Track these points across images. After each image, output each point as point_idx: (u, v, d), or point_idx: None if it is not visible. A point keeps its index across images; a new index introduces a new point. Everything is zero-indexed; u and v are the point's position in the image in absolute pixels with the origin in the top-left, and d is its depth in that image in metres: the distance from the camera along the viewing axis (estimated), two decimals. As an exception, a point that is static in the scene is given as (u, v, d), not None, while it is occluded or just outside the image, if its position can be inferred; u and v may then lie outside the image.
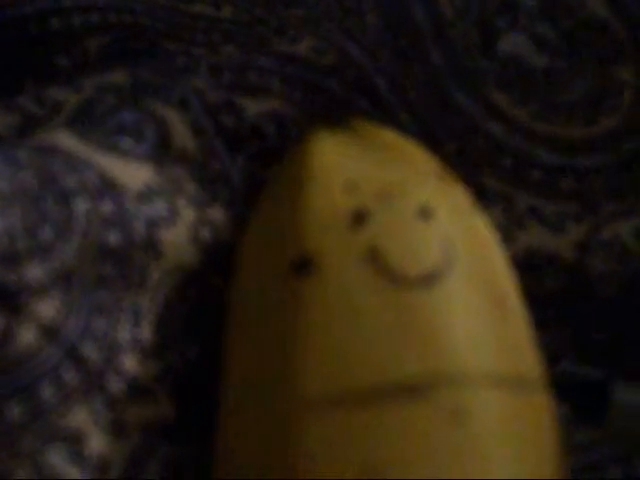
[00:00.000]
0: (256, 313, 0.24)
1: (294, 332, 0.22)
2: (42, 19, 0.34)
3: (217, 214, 0.27)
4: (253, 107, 0.29)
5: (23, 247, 0.23)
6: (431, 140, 0.29)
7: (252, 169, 0.29)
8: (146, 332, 0.25)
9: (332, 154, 0.26)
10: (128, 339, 0.24)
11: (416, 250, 0.23)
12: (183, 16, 0.37)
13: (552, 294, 0.29)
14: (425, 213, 0.24)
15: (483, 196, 0.29)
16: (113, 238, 0.25)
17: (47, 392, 0.23)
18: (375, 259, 0.23)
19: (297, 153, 0.27)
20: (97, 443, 0.23)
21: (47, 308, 0.23)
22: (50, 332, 0.23)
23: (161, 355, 0.25)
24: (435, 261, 0.23)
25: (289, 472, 0.20)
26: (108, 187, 0.25)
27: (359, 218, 0.23)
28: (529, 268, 0.28)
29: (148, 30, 0.36)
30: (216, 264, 0.27)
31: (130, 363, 0.24)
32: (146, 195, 0.26)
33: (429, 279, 0.22)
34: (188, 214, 0.26)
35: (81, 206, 0.24)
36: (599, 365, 0.29)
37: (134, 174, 0.26)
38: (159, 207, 0.26)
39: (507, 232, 0.29)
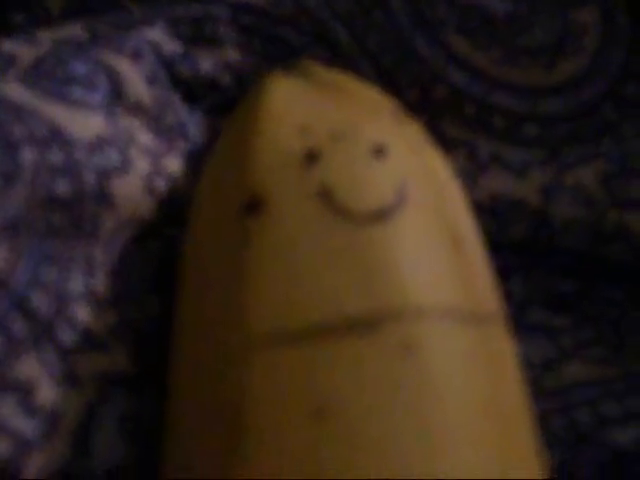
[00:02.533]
0: (208, 257, 0.22)
1: (242, 271, 0.21)
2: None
3: (173, 164, 0.26)
4: (209, 58, 0.28)
5: (-34, 197, 0.22)
6: (392, 88, 0.28)
7: (210, 121, 0.28)
8: (100, 283, 0.23)
9: (284, 96, 0.24)
10: (81, 290, 0.23)
11: (368, 187, 0.21)
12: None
13: (517, 241, 0.27)
14: (379, 151, 0.22)
15: (446, 144, 0.28)
16: (62, 188, 0.23)
17: (-6, 342, 0.21)
18: (325, 196, 0.21)
19: (249, 98, 0.25)
20: (48, 394, 0.21)
21: (-8, 256, 0.22)
22: (-3, 281, 0.21)
23: (117, 307, 0.23)
24: (387, 198, 0.21)
25: (235, 412, 0.19)
26: (57, 137, 0.23)
27: (311, 158, 0.22)
28: (493, 214, 0.27)
29: None
30: (173, 215, 0.25)
31: (82, 314, 0.23)
32: (97, 145, 0.24)
33: (380, 215, 0.21)
34: (142, 164, 0.25)
35: (28, 156, 0.23)
36: (565, 313, 0.27)
37: (85, 123, 0.24)
38: (111, 157, 0.24)
39: (470, 177, 0.27)
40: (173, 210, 0.25)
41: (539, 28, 0.28)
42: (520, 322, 0.27)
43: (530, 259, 0.28)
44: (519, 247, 0.27)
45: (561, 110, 0.27)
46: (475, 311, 0.21)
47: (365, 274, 0.20)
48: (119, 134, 0.25)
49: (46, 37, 0.28)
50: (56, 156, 0.23)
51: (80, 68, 0.26)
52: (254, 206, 0.21)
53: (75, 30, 0.28)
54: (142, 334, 0.24)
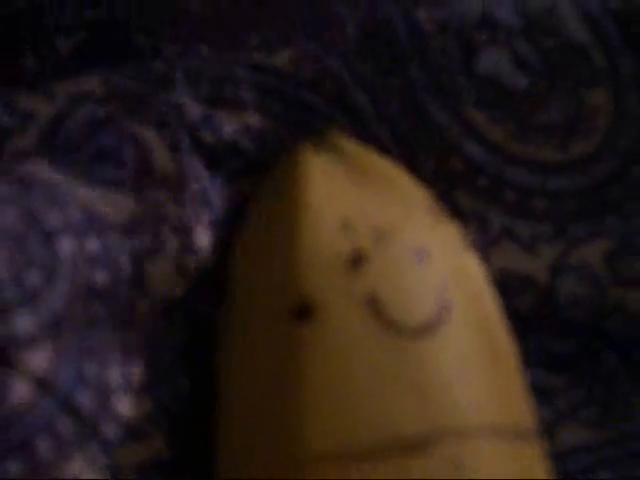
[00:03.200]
0: (254, 355, 0.23)
1: (294, 383, 0.21)
2: (12, 20, 0.31)
3: (200, 239, 0.26)
4: (230, 121, 0.27)
5: (11, 296, 0.21)
6: (409, 157, 0.28)
7: (232, 187, 0.27)
8: (135, 370, 0.23)
9: (322, 184, 0.24)
10: (119, 380, 0.23)
11: (414, 297, 0.22)
12: (152, 6, 0.35)
13: (522, 313, 0.28)
14: (420, 254, 0.23)
15: (458, 215, 0.28)
16: (100, 277, 0.23)
17: (43, 447, 0.21)
18: (374, 307, 0.22)
19: (284, 177, 0.25)
20: None
21: (39, 359, 0.21)
22: (43, 384, 0.21)
23: (152, 392, 0.24)
24: (432, 308, 0.22)
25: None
26: (92, 222, 0.23)
27: (357, 261, 0.22)
28: (502, 288, 0.28)
29: (121, 24, 0.34)
30: (201, 291, 0.25)
31: (122, 405, 0.23)
32: (130, 227, 0.24)
33: (427, 328, 0.22)
34: (172, 243, 0.25)
35: (66, 246, 0.22)
36: (559, 373, 0.29)
37: (117, 205, 0.24)
38: (144, 239, 0.24)
39: (482, 252, 0.28)
40: (201, 286, 0.25)
41: (554, 107, 0.28)
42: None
43: (529, 324, 0.29)
44: (522, 317, 0.28)
45: (570, 187, 0.28)
46: (515, 428, 0.22)
47: (415, 394, 0.21)
48: (149, 212, 0.24)
49: (61, 91, 0.27)
50: (93, 244, 0.23)
51: (107, 141, 0.25)
52: (305, 312, 0.22)
53: (91, 84, 0.28)
54: (174, 416, 0.24)
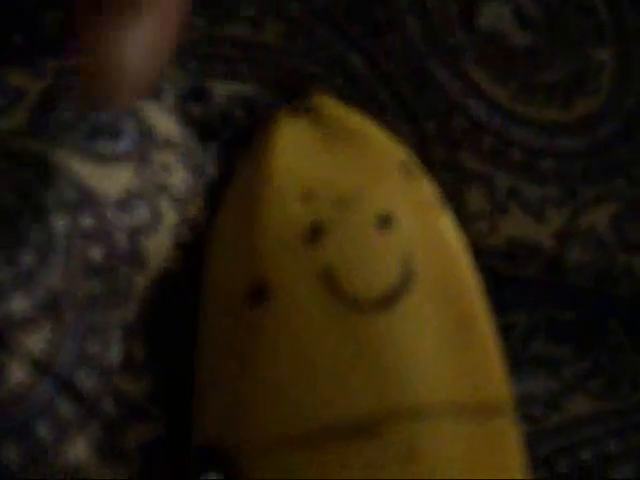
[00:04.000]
0: (216, 336, 0.22)
1: (250, 366, 0.20)
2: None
3: (196, 209, 0.25)
4: (221, 92, 0.26)
5: (5, 277, 0.20)
6: (410, 118, 0.27)
7: (224, 156, 0.26)
8: (136, 347, 0.23)
9: (289, 156, 0.23)
10: (119, 358, 0.22)
11: (372, 269, 0.21)
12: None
13: (529, 281, 0.27)
14: (384, 221, 0.21)
15: (464, 177, 0.27)
16: (96, 253, 0.22)
17: (43, 430, 0.20)
18: (329, 282, 0.20)
19: (258, 146, 0.24)
20: (97, 472, 0.21)
21: (37, 340, 0.20)
22: (42, 365, 0.20)
23: (152, 368, 0.23)
24: (393, 280, 0.21)
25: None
26: (87, 198, 0.22)
27: (315, 233, 0.21)
28: (508, 257, 0.27)
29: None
30: (196, 264, 0.24)
31: (123, 383, 0.22)
32: (127, 202, 0.23)
33: (385, 301, 0.20)
34: (170, 216, 0.24)
35: (60, 223, 0.21)
36: (565, 344, 0.28)
37: (113, 179, 0.23)
38: (141, 213, 0.23)
39: (489, 221, 0.27)
40: (196, 259, 0.24)
41: (557, 65, 0.27)
42: (522, 355, 0.27)
43: (535, 293, 0.28)
44: (528, 283, 0.27)
45: (576, 147, 0.27)
46: (481, 404, 0.21)
47: (372, 372, 0.20)
48: (150, 185, 0.23)
49: (49, 67, 0.26)
50: (88, 220, 0.22)
51: (103, 116, 0.24)
52: (259, 293, 0.21)
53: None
54: (175, 392, 0.23)
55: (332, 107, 0.24)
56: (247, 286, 0.21)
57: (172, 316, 0.24)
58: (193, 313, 0.24)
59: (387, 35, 0.27)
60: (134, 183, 0.23)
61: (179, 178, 0.24)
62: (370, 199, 0.21)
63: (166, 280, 0.23)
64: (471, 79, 0.27)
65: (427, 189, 0.23)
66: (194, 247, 0.24)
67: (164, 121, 0.25)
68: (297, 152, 0.23)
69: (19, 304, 0.20)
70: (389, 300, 0.20)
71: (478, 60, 0.27)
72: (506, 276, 0.27)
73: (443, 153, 0.27)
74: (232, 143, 0.26)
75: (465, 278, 0.22)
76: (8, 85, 0.25)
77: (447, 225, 0.23)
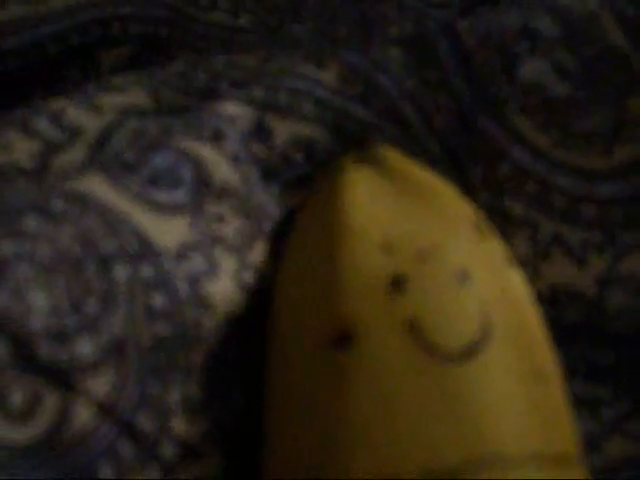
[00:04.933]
0: (295, 380, 0.22)
1: (335, 413, 0.20)
2: (61, 38, 0.31)
3: (257, 254, 0.25)
4: (284, 131, 0.27)
5: (71, 323, 0.21)
6: (457, 165, 0.27)
7: (285, 199, 0.27)
8: (195, 388, 0.23)
9: (365, 205, 0.23)
10: (178, 399, 0.22)
11: (454, 321, 0.21)
12: (200, 24, 0.34)
13: (569, 326, 0.27)
14: (462, 276, 0.22)
15: (508, 223, 0.27)
16: (159, 300, 0.22)
17: (106, 471, 0.21)
18: (415, 332, 0.21)
19: (327, 192, 0.25)
20: None
21: (101, 383, 0.21)
22: (106, 408, 0.21)
23: (209, 410, 0.23)
24: (473, 332, 0.21)
25: None
26: (146, 249, 0.23)
27: (397, 284, 0.21)
28: (552, 302, 0.27)
29: (164, 41, 0.33)
30: (259, 306, 0.25)
31: (180, 425, 0.22)
32: (183, 254, 0.23)
33: (468, 352, 0.21)
34: (228, 263, 0.24)
35: (122, 273, 0.22)
36: (605, 384, 0.28)
37: (170, 231, 0.23)
38: (198, 263, 0.23)
39: (533, 266, 0.27)
40: (260, 301, 0.25)
41: (597, 114, 0.27)
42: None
43: (574, 334, 0.28)
44: (569, 328, 0.27)
45: (617, 194, 0.27)
46: (558, 454, 0.21)
47: (457, 421, 0.20)
48: (204, 237, 0.24)
49: (108, 104, 0.26)
50: (148, 270, 0.22)
51: (162, 163, 0.24)
52: (344, 340, 0.21)
53: (138, 96, 0.27)
54: (230, 433, 0.23)
55: (397, 159, 0.25)
56: (331, 331, 0.21)
57: (231, 357, 0.24)
58: (254, 354, 0.24)
59: (436, 91, 0.27)
60: (189, 236, 0.24)
61: (234, 228, 0.25)
62: (447, 254, 0.22)
63: (230, 323, 0.24)
64: (515, 128, 0.27)
65: (497, 246, 0.24)
66: (258, 290, 0.25)
67: (223, 166, 0.25)
68: (371, 202, 0.23)
69: (85, 348, 0.21)
70: (470, 352, 0.20)
71: (521, 110, 0.27)
72: (546, 319, 0.27)
73: (488, 199, 0.27)
74: (292, 185, 0.27)
75: (537, 332, 0.22)
76: (67, 121, 0.25)
77: (518, 281, 0.23)
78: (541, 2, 0.29)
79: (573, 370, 0.27)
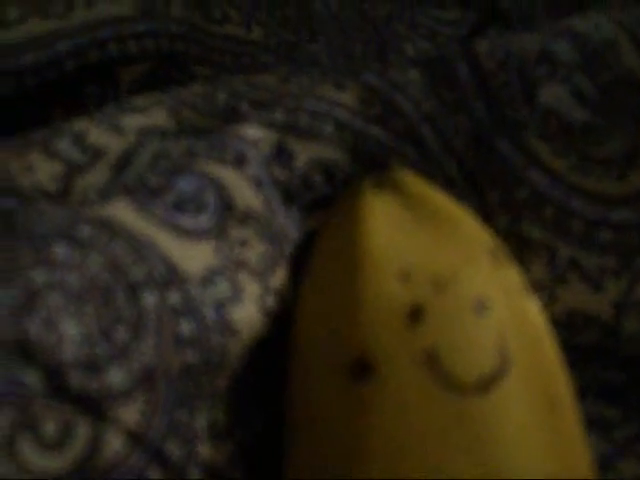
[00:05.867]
0: (313, 407, 0.22)
1: (354, 444, 0.21)
2: (79, 54, 0.31)
3: (279, 278, 0.25)
4: (304, 154, 0.27)
5: (101, 352, 0.21)
6: (475, 189, 0.28)
7: (305, 221, 0.27)
8: (219, 413, 0.23)
9: (383, 232, 0.23)
10: (204, 425, 0.23)
11: (473, 352, 0.21)
12: (214, 38, 0.34)
13: (583, 348, 0.28)
14: (480, 305, 0.22)
15: (525, 246, 0.28)
16: (186, 327, 0.23)
17: (136, 499, 0.21)
18: (433, 363, 0.21)
19: (346, 217, 0.25)
20: None
21: (132, 411, 0.21)
22: (136, 436, 0.21)
23: (233, 434, 0.23)
24: (491, 364, 0.21)
25: None
26: (172, 276, 0.23)
27: (415, 314, 0.22)
28: (567, 325, 0.27)
29: (181, 56, 0.33)
30: (280, 329, 0.25)
31: (206, 450, 0.22)
32: (208, 279, 0.23)
33: (486, 383, 0.21)
34: (252, 288, 0.24)
35: (150, 300, 0.22)
36: (615, 405, 0.28)
37: (196, 256, 0.23)
38: (223, 287, 0.24)
39: (549, 290, 0.27)
40: (282, 323, 0.25)
41: (614, 140, 0.27)
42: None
43: (587, 355, 0.28)
44: (583, 350, 0.28)
45: (633, 219, 0.28)
46: None
47: (475, 453, 0.20)
48: (228, 262, 0.24)
49: (129, 125, 0.27)
50: (174, 297, 0.23)
51: (187, 187, 0.25)
52: (363, 370, 0.21)
53: (159, 117, 0.27)
54: (253, 456, 0.24)
55: (416, 184, 0.25)
56: (349, 360, 0.21)
57: (254, 381, 0.24)
58: (276, 378, 0.24)
59: (455, 114, 0.28)
60: (214, 261, 0.24)
61: (257, 252, 0.25)
62: (465, 283, 0.22)
63: (253, 347, 0.24)
64: (533, 152, 0.28)
65: (514, 274, 0.24)
66: (280, 314, 0.25)
67: (246, 190, 0.25)
68: (390, 228, 0.23)
69: (115, 377, 0.21)
70: (488, 383, 0.21)
71: (539, 134, 0.28)
72: (561, 341, 0.27)
73: (506, 223, 0.27)
74: (312, 207, 0.27)
75: (553, 361, 0.23)
76: (88, 142, 0.25)
77: (534, 310, 0.23)
78: (559, 27, 0.29)
79: (585, 390, 0.28)
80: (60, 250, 0.22)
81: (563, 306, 0.27)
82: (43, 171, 0.25)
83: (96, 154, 0.26)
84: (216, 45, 0.36)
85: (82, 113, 0.29)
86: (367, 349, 0.21)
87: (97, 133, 0.26)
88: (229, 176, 0.25)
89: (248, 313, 0.24)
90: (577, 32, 0.28)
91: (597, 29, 0.28)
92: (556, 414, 0.22)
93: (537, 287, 0.27)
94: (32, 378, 0.20)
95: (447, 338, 0.21)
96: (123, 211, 0.23)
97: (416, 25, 0.38)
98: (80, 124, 0.26)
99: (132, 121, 0.27)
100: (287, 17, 0.37)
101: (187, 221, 0.24)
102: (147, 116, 0.27)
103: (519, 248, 0.27)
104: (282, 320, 0.25)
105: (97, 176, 0.25)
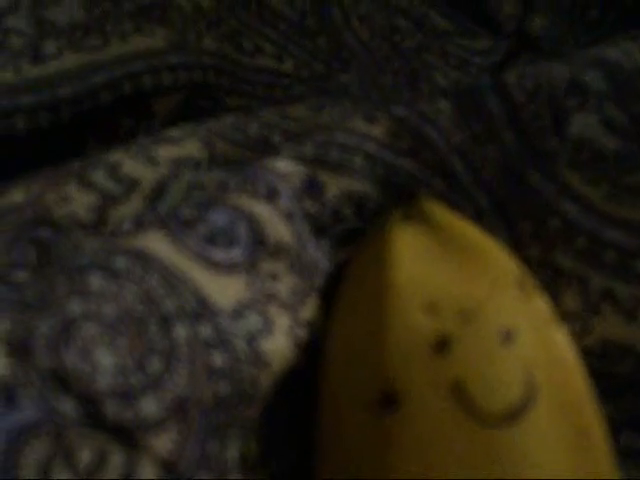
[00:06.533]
0: (345, 435, 0.22)
1: (383, 471, 0.21)
2: (114, 86, 0.32)
3: (309, 310, 0.25)
4: (334, 187, 0.27)
5: (135, 382, 0.21)
6: (506, 219, 0.28)
7: (335, 254, 0.27)
8: (251, 444, 0.23)
9: (410, 263, 0.24)
10: (235, 456, 0.23)
11: (499, 384, 0.21)
12: (245, 69, 0.35)
13: (618, 378, 0.28)
14: (507, 337, 0.22)
15: (558, 276, 0.28)
16: (219, 359, 0.23)
17: (167, 530, 0.21)
18: (458, 394, 0.21)
19: (375, 249, 0.25)
20: None
21: (165, 441, 0.21)
22: (168, 466, 0.21)
23: (263, 465, 0.24)
24: (518, 394, 0.21)
25: None
26: (204, 309, 0.23)
27: (442, 346, 0.22)
28: (601, 356, 0.27)
29: (213, 87, 0.34)
30: (311, 360, 0.25)
31: None
32: (239, 312, 0.24)
33: (512, 415, 0.21)
34: (283, 321, 0.25)
35: (181, 332, 0.22)
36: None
37: (226, 290, 0.24)
38: (253, 320, 0.24)
39: (583, 321, 0.27)
40: (313, 354, 0.25)
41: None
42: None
43: (623, 385, 0.28)
44: (617, 381, 0.28)
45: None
46: None
47: None
48: (259, 295, 0.24)
49: (163, 156, 0.27)
50: (206, 330, 0.23)
51: (220, 220, 0.25)
52: (389, 402, 0.21)
53: (192, 148, 0.28)
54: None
55: (444, 215, 0.25)
56: (377, 392, 0.21)
57: (284, 412, 0.24)
58: (305, 408, 0.25)
59: (485, 144, 0.28)
60: (245, 294, 0.24)
61: (288, 285, 0.25)
62: (491, 313, 0.22)
63: (284, 379, 0.24)
64: (565, 182, 0.28)
65: (542, 305, 0.24)
66: (310, 345, 0.25)
67: (277, 224, 0.26)
68: (417, 260, 0.23)
69: (149, 407, 0.21)
70: (515, 414, 0.21)
71: (571, 164, 0.28)
72: (594, 371, 0.27)
73: (538, 253, 0.27)
74: (342, 239, 0.27)
75: (582, 393, 0.23)
76: (123, 173, 0.26)
77: (562, 341, 0.23)
78: (588, 56, 0.29)
79: (619, 421, 0.27)
80: (96, 281, 0.22)
81: (597, 337, 0.27)
82: (78, 202, 0.25)
83: (130, 185, 0.26)
84: (248, 76, 0.36)
85: (115, 144, 0.30)
86: (394, 381, 0.21)
87: (131, 164, 0.27)
88: (261, 210, 0.26)
89: (279, 345, 0.24)
90: (607, 61, 0.29)
91: (627, 58, 0.28)
92: (585, 445, 0.22)
93: (570, 317, 0.27)
94: (68, 407, 0.20)
95: (473, 369, 0.21)
96: (157, 243, 0.24)
97: (446, 55, 0.38)
98: (115, 155, 0.27)
99: (166, 152, 0.27)
100: (318, 48, 0.38)
101: (219, 254, 0.24)
102: (181, 147, 0.28)
103: (551, 278, 0.27)
104: (312, 351, 0.25)
105: (131, 207, 0.26)
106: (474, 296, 0.23)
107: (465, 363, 0.21)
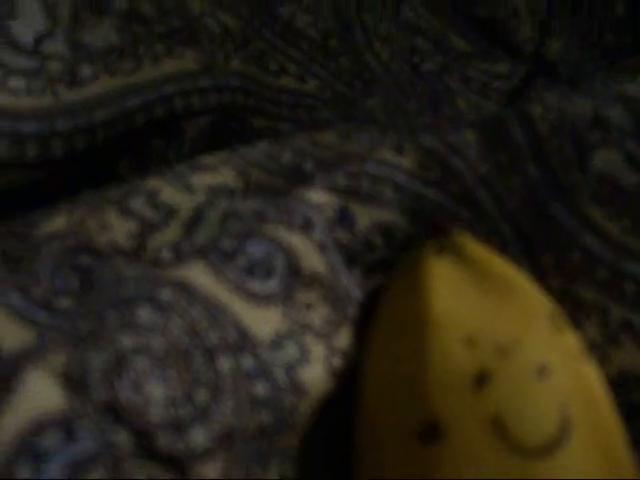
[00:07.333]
0: (385, 463, 0.23)
1: None
2: (147, 109, 0.33)
3: (344, 339, 0.27)
4: (365, 217, 0.28)
5: (185, 413, 0.23)
6: (529, 251, 0.29)
7: (367, 283, 0.28)
8: (290, 470, 0.25)
9: (447, 298, 0.25)
10: None
11: (536, 418, 0.22)
12: (270, 90, 0.36)
13: (632, 406, 0.29)
14: (542, 371, 0.23)
15: (578, 307, 0.29)
16: (260, 389, 0.24)
17: None
18: (499, 428, 0.22)
19: (409, 281, 0.26)
20: None
21: (212, 469, 0.23)
22: (216, 494, 0.23)
23: None
24: (553, 429, 0.22)
25: None
26: (244, 341, 0.24)
27: (481, 380, 0.23)
28: (619, 386, 0.28)
29: (240, 108, 0.35)
30: (347, 387, 0.26)
31: None
32: (277, 342, 0.25)
33: (549, 448, 0.22)
34: (318, 350, 0.26)
35: (225, 364, 0.24)
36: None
37: (265, 321, 0.25)
38: (291, 351, 0.25)
39: (602, 351, 0.28)
40: (348, 382, 0.26)
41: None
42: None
43: (636, 412, 0.29)
44: (633, 409, 0.29)
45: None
46: None
47: None
48: (295, 326, 0.26)
49: (199, 184, 0.28)
50: (247, 361, 0.24)
51: (257, 251, 0.26)
52: (432, 434, 0.22)
53: (227, 176, 0.29)
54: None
55: (476, 249, 0.26)
56: (418, 424, 0.23)
57: (321, 438, 0.26)
58: (341, 434, 0.26)
59: (510, 176, 0.29)
60: (282, 325, 0.25)
61: (321, 315, 0.26)
62: (527, 349, 0.23)
63: (321, 406, 0.25)
64: (586, 216, 0.29)
65: (573, 340, 0.25)
66: (345, 373, 0.26)
67: (312, 255, 0.27)
68: (453, 294, 0.25)
69: (198, 437, 0.22)
70: (551, 448, 0.22)
71: (593, 198, 0.29)
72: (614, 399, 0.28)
73: (560, 284, 0.29)
74: (372, 268, 0.28)
75: (612, 423, 0.24)
76: (161, 200, 0.27)
77: (593, 374, 0.25)
78: (611, 91, 0.30)
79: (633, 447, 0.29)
80: (144, 313, 0.24)
81: (615, 366, 0.28)
82: (118, 229, 0.26)
83: (168, 212, 0.27)
84: (272, 97, 0.37)
85: (146, 164, 0.31)
86: (435, 414, 0.23)
87: (169, 192, 0.27)
88: (296, 241, 0.27)
89: (316, 374, 0.25)
90: (629, 97, 0.30)
91: None
92: (615, 475, 0.23)
93: (590, 347, 0.28)
94: (122, 438, 0.22)
95: (511, 403, 0.22)
96: (199, 274, 0.25)
97: (467, 79, 0.39)
98: (153, 183, 0.28)
99: (201, 180, 0.28)
100: (341, 69, 0.39)
101: (257, 286, 0.25)
102: (215, 175, 0.29)
103: (572, 309, 0.28)
104: (347, 379, 0.26)
105: (169, 234, 0.27)
106: (510, 331, 0.24)
107: (503, 397, 0.22)
